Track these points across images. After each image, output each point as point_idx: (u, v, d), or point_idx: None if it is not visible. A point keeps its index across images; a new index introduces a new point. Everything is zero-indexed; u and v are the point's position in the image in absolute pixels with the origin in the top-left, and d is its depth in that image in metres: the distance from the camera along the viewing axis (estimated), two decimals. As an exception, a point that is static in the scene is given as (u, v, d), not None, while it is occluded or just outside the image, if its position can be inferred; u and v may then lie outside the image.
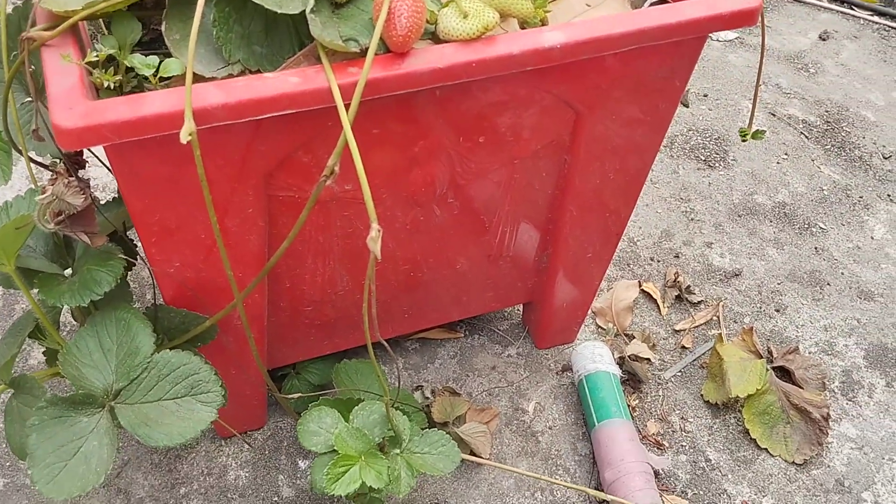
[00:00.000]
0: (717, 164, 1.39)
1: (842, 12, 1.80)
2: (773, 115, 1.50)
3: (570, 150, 0.81)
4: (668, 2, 0.77)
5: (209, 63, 0.67)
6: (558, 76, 0.71)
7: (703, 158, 1.40)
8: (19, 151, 0.75)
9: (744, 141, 0.84)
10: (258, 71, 0.68)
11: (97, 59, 0.60)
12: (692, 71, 0.79)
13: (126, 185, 0.64)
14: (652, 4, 0.77)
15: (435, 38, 0.68)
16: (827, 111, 1.53)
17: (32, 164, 0.77)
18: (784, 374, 1.09)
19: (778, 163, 1.42)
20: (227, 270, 0.66)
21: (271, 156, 0.68)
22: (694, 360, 1.11)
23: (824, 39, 1.72)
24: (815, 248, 1.28)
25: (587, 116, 0.77)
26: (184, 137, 0.57)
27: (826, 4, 1.82)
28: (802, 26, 1.75)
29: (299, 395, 0.87)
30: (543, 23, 0.72)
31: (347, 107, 0.61)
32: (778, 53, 1.65)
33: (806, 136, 1.47)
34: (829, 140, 1.47)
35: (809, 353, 1.14)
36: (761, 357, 1.07)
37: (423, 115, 0.70)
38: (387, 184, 0.76)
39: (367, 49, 0.62)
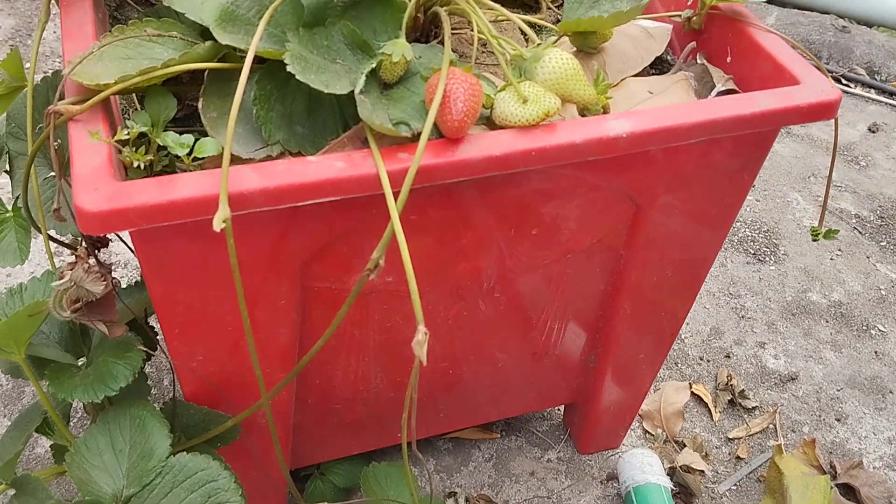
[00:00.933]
0: (767, 259, 1.33)
1: (890, 104, 1.76)
2: (824, 208, 1.45)
3: (628, 244, 0.76)
4: (737, 91, 0.73)
5: (247, 143, 0.63)
6: (620, 167, 0.67)
7: (753, 252, 1.34)
8: (38, 230, 0.71)
9: (815, 240, 0.78)
10: (298, 153, 0.64)
11: (128, 136, 0.56)
12: (762, 164, 0.74)
13: (150, 270, 0.60)
14: (720, 93, 0.72)
15: (490, 123, 0.64)
16: (880, 206, 1.47)
17: (52, 243, 0.73)
18: (848, 491, 1.01)
19: (832, 259, 1.36)
20: (255, 368, 0.60)
21: (309, 244, 0.63)
22: (750, 472, 1.03)
23: (874, 132, 1.68)
24: (875, 351, 1.21)
25: (648, 210, 0.72)
26: (217, 225, 0.52)
27: (874, 96, 1.79)
28: (851, 118, 1.71)
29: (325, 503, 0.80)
30: (605, 110, 0.68)
31: (396, 195, 0.56)
32: (827, 145, 1.61)
33: (860, 232, 1.41)
34: (883, 236, 1.41)
35: (874, 468, 1.06)
36: (824, 472, 0.99)
37: (474, 205, 0.66)
38: (430, 276, 0.71)
39: (418, 134, 0.58)
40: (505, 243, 0.70)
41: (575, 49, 0.78)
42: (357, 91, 0.58)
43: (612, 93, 0.73)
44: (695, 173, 0.70)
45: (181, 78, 0.70)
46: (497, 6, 0.69)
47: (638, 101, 0.72)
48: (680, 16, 0.79)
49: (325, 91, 0.59)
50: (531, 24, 0.84)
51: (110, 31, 0.64)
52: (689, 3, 0.81)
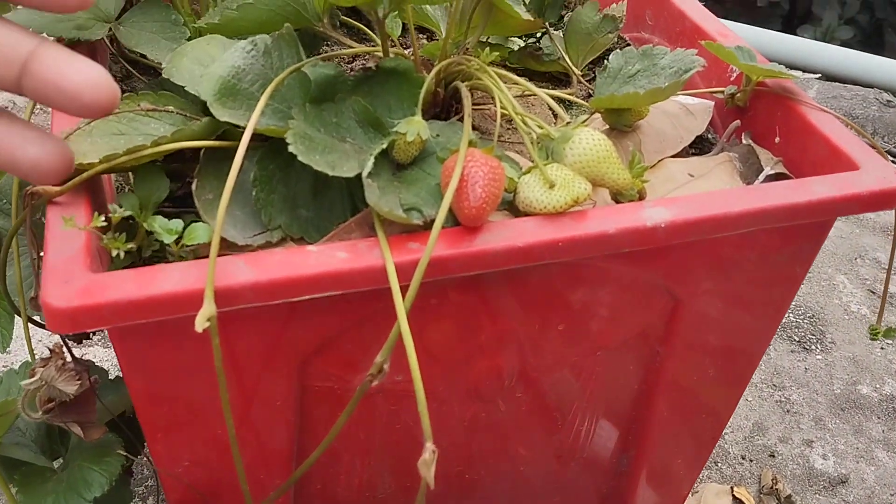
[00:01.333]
0: (813, 347, 1.25)
1: (939, 182, 1.69)
2: (873, 292, 1.36)
3: (665, 340, 0.69)
4: (787, 175, 0.66)
5: (244, 228, 0.58)
6: (658, 258, 0.60)
7: (798, 339, 1.26)
8: (20, 315, 0.65)
9: (873, 339, 0.70)
10: (301, 238, 0.58)
11: (105, 223, 0.51)
12: (815, 256, 0.67)
13: (130, 369, 0.54)
14: (768, 177, 0.66)
15: (513, 208, 0.58)
16: (933, 290, 1.39)
17: (36, 328, 0.67)
18: None
19: (882, 348, 1.27)
20: (241, 483, 0.53)
21: (309, 341, 0.57)
22: (800, 590, 0.93)
23: (923, 211, 1.60)
24: (935, 452, 1.12)
25: (688, 304, 0.65)
26: (200, 325, 0.46)
27: (921, 173, 1.71)
28: (897, 196, 1.64)
29: None
30: (640, 195, 0.61)
31: (404, 290, 0.50)
32: (873, 224, 1.53)
33: (912, 319, 1.33)
34: (938, 323, 1.32)
35: (939, 586, 0.96)
36: (885, 593, 0.89)
37: (495, 298, 0.59)
38: (445, 375, 0.64)
39: (431, 221, 0.52)
40: (528, 339, 0.63)
41: (607, 127, 0.72)
42: (365, 174, 0.52)
43: (649, 175, 0.66)
44: (740, 265, 0.63)
45: (185, 154, 0.65)
46: (522, 81, 0.64)
47: (677, 184, 0.66)
48: (723, 92, 0.74)
49: (331, 174, 0.53)
50: (560, 100, 0.78)
51: (103, 105, 0.60)
52: (732, 79, 0.75)
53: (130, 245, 0.52)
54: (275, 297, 0.50)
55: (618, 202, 0.61)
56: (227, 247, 0.58)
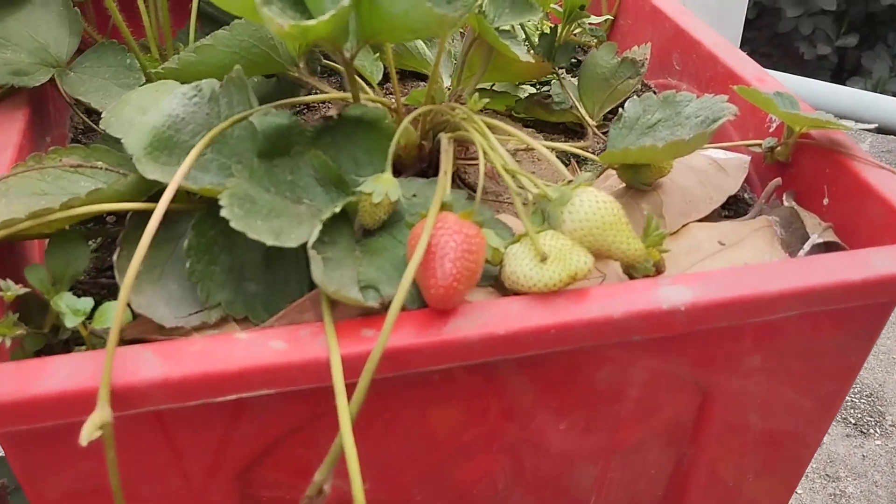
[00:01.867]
0: (871, 431, 1.11)
1: None
2: (939, 366, 1.23)
3: (694, 440, 0.58)
4: (839, 244, 0.55)
5: (179, 306, 0.49)
6: (680, 346, 0.49)
7: (854, 422, 1.12)
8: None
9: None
10: (246, 318, 0.49)
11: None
12: (874, 342, 0.56)
13: (25, 480, 0.44)
14: (815, 247, 0.55)
15: (500, 285, 0.48)
16: None
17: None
18: None
19: (952, 431, 1.13)
20: None
21: (250, 445, 0.47)
22: None
23: None
24: None
25: (719, 398, 0.54)
26: (86, 437, 0.37)
27: None
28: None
29: None
30: (658, 268, 0.51)
31: (352, 389, 0.40)
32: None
33: None
34: None
35: None
36: None
37: (479, 391, 0.49)
38: (422, 479, 0.53)
39: (389, 304, 0.42)
40: (524, 439, 0.53)
41: (623, 185, 0.62)
42: (310, 244, 0.43)
43: (671, 244, 0.56)
44: (782, 353, 0.52)
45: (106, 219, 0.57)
46: (516, 131, 0.55)
47: (705, 254, 0.55)
48: (760, 145, 0.63)
49: (274, 244, 0.44)
50: (572, 156, 0.69)
51: (25, 161, 0.52)
52: (771, 130, 0.65)
53: (20, 331, 0.43)
54: (191, 398, 0.40)
55: (631, 277, 0.51)
56: (158, 329, 0.49)
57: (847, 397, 1.15)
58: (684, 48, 0.76)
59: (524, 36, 0.74)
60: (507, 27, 0.60)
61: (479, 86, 0.76)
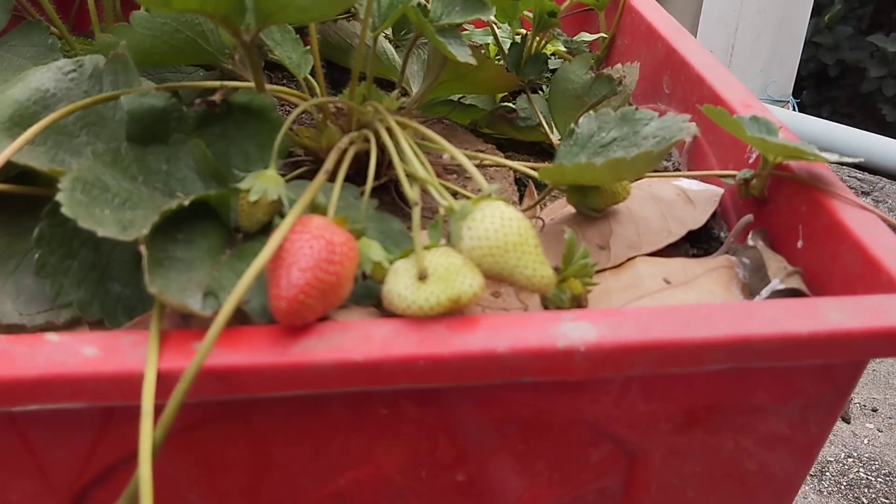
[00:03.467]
0: (887, 514, 1.01)
1: None
2: (973, 449, 1.11)
3: (624, 506, 0.50)
4: (803, 292, 0.48)
5: (28, 302, 0.44)
6: (590, 396, 0.42)
7: (868, 502, 1.02)
8: None
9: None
10: (101, 322, 0.44)
11: None
12: (842, 407, 0.48)
13: None
14: (775, 294, 0.48)
15: (382, 306, 0.42)
16: None
17: None
18: None
19: (980, 523, 1.01)
20: None
21: (81, 468, 0.41)
22: None
23: None
24: None
25: (650, 465, 0.47)
26: None
27: None
28: None
29: None
30: (579, 303, 0.44)
31: (159, 411, 0.34)
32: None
33: None
34: None
35: None
36: None
37: (344, 431, 0.43)
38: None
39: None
40: (412, 492, 0.46)
41: (574, 212, 0.56)
42: (141, 238, 0.37)
43: (610, 277, 0.49)
44: (718, 417, 0.44)
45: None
46: (441, 141, 0.48)
47: (643, 292, 0.48)
48: (734, 177, 0.56)
49: (115, 237, 0.39)
50: (528, 178, 0.62)
51: None
52: (750, 161, 0.58)
53: None
54: (-21, 405, 0.35)
55: (545, 307, 0.45)
56: (4, 327, 0.44)
57: (861, 473, 1.05)
58: (674, 69, 0.69)
59: (496, 44, 0.68)
60: (454, 26, 0.54)
61: (450, 98, 0.71)
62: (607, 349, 0.38)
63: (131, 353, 0.36)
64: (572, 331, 0.38)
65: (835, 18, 2.91)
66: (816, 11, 2.11)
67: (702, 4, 1.81)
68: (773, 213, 0.54)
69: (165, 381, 0.35)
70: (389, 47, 0.72)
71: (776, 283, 0.48)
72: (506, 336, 0.38)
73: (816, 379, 0.44)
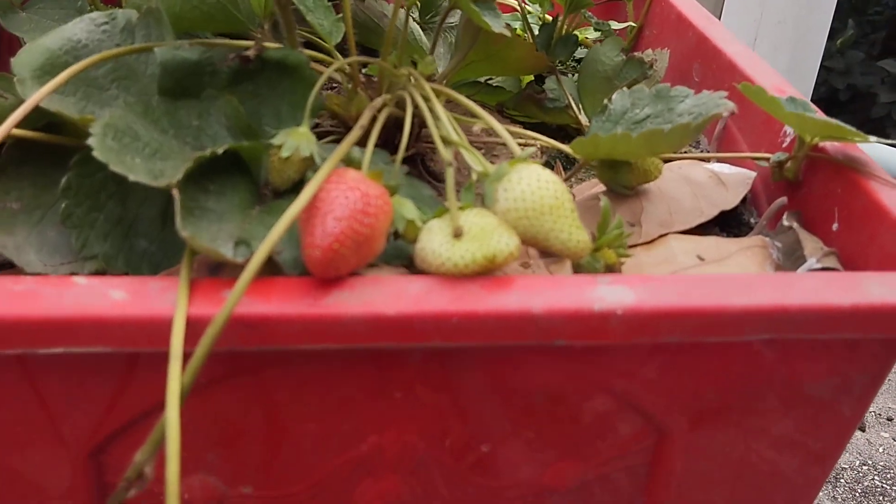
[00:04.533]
0: (903, 524, 0.99)
1: None
2: None
3: (649, 489, 0.49)
4: (842, 268, 0.47)
5: (52, 253, 0.44)
6: (621, 363, 0.42)
7: (883, 511, 1.01)
8: None
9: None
10: (126, 274, 0.43)
11: None
12: (875, 391, 0.47)
13: None
14: (812, 271, 0.47)
15: (414, 267, 0.41)
16: None
17: None
18: None
19: None
20: None
21: (100, 419, 0.40)
22: None
23: None
24: None
25: (676, 440, 0.46)
26: None
27: None
28: None
29: None
30: (613, 273, 0.44)
31: (188, 358, 0.33)
32: None
33: None
34: None
35: None
36: None
37: (374, 388, 0.42)
38: (313, 498, 0.46)
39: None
40: (434, 460, 0.45)
41: (603, 189, 0.55)
42: (174, 182, 0.37)
43: (641, 252, 0.49)
44: (753, 392, 0.44)
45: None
46: (478, 109, 0.48)
47: (677, 267, 0.47)
48: (768, 159, 0.55)
49: (145, 182, 0.38)
50: (557, 156, 0.62)
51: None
52: (784, 145, 0.57)
53: None
54: (4, 345, 0.34)
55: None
56: (19, 273, 0.43)
57: (876, 480, 1.04)
58: (705, 58, 0.69)
59: (525, 27, 0.68)
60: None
61: (477, 79, 0.70)
62: (644, 314, 0.37)
63: (160, 297, 0.35)
64: (609, 294, 0.38)
65: (847, 43, 2.91)
66: (829, 36, 2.11)
67: (720, 19, 1.81)
68: (807, 196, 0.54)
69: (194, 328, 0.34)
70: (417, 28, 0.71)
71: (812, 262, 0.47)
72: (541, 297, 0.37)
73: (853, 357, 0.43)
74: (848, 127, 0.48)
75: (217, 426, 0.41)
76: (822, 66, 2.07)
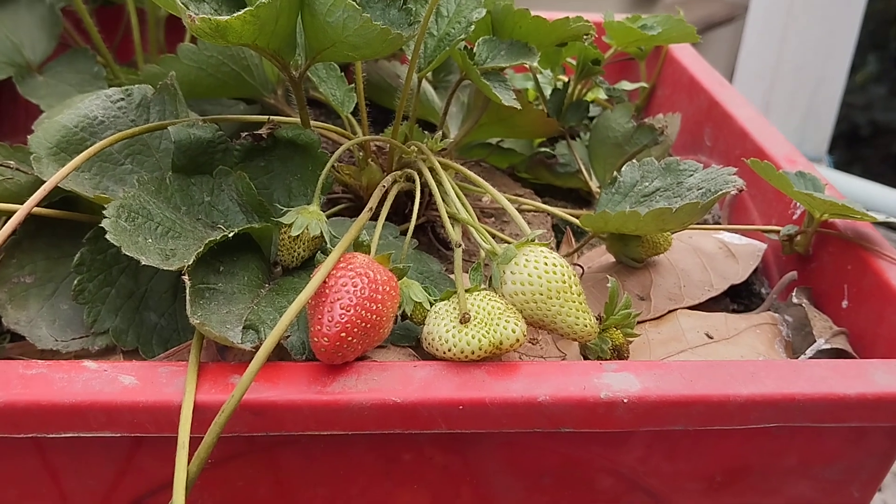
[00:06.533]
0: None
1: None
2: None
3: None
4: (848, 353, 0.48)
5: (64, 328, 0.45)
6: (630, 449, 0.42)
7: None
8: None
9: None
10: (136, 352, 0.44)
11: None
12: (886, 472, 0.47)
13: None
14: (820, 354, 0.47)
15: (422, 347, 0.42)
16: None
17: None
18: None
19: None
20: None
21: (105, 497, 0.41)
22: None
23: None
24: None
25: (685, 520, 0.46)
26: None
27: None
28: None
29: None
30: (620, 354, 0.44)
31: (196, 444, 0.34)
32: None
33: None
34: None
35: None
36: None
37: (377, 479, 0.42)
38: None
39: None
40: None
41: (612, 261, 0.56)
42: (185, 268, 0.38)
43: (650, 329, 0.49)
44: (760, 473, 0.44)
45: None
46: (484, 183, 0.49)
47: (685, 346, 0.48)
48: (778, 232, 0.56)
49: (157, 266, 0.39)
50: (567, 224, 0.63)
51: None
52: (794, 217, 0.58)
53: None
54: (16, 429, 0.35)
55: (585, 357, 0.45)
56: (37, 352, 0.44)
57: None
58: (716, 122, 0.70)
59: (537, 90, 0.69)
60: (499, 69, 0.55)
61: (488, 141, 0.72)
62: (650, 402, 0.38)
63: (169, 383, 0.36)
64: (615, 382, 0.38)
65: (868, 79, 2.92)
66: (849, 72, 2.12)
67: (736, 60, 1.82)
68: (817, 271, 0.54)
69: (202, 414, 0.35)
70: (430, 89, 0.73)
71: (821, 343, 0.48)
72: (547, 384, 0.38)
73: (860, 442, 0.43)
74: (856, 206, 0.49)
75: (226, 500, 0.42)
76: (843, 101, 2.08)
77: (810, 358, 0.47)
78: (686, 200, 0.50)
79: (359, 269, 0.38)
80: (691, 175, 0.52)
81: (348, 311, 0.36)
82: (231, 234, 0.40)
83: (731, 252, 0.57)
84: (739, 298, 0.58)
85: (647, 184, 0.53)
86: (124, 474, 0.41)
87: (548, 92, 0.69)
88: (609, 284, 0.45)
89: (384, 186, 0.48)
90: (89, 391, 0.35)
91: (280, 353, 0.40)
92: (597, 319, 0.43)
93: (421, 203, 0.55)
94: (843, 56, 1.77)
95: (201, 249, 0.38)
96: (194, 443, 0.35)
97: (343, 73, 0.57)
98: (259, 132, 0.46)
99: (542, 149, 0.69)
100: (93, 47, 0.64)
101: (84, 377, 0.36)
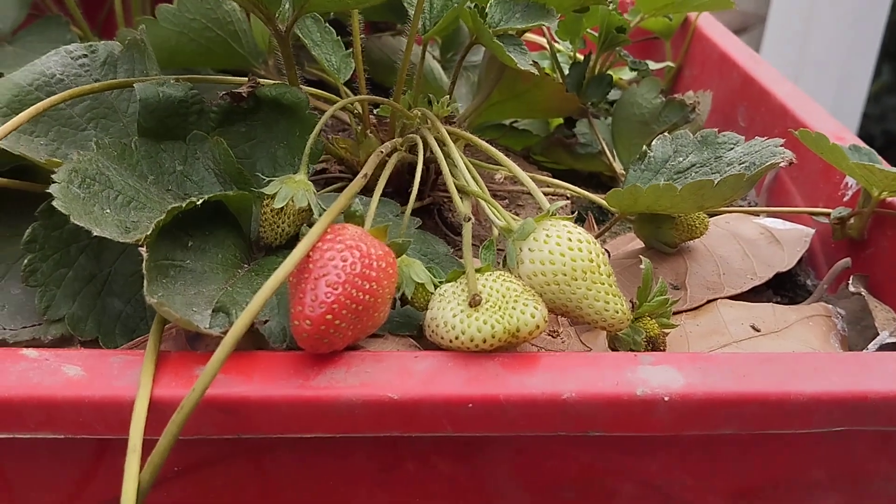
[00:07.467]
0: None
1: None
2: None
3: None
4: (919, 347, 0.42)
5: (13, 316, 0.39)
6: (670, 456, 0.36)
7: None
8: None
9: None
10: (95, 342, 0.38)
11: None
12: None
13: None
14: (885, 348, 0.41)
15: (424, 338, 0.36)
16: None
17: None
18: None
19: None
20: None
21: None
22: None
23: None
24: None
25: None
26: None
27: None
28: None
29: None
30: (655, 346, 0.38)
31: (149, 447, 0.28)
32: None
33: None
34: None
35: None
36: None
37: (376, 490, 0.36)
38: None
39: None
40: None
41: (642, 246, 0.50)
42: (143, 240, 0.32)
43: (686, 320, 0.43)
44: (807, 485, 0.38)
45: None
46: (500, 155, 0.43)
47: (729, 340, 0.42)
48: (829, 215, 0.50)
49: (118, 240, 0.33)
50: (589, 207, 0.57)
51: None
52: (846, 199, 0.52)
53: None
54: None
55: (615, 350, 0.39)
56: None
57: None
58: (752, 100, 0.64)
59: (555, 65, 0.63)
60: (515, 31, 0.49)
61: (502, 122, 0.66)
62: (696, 401, 0.32)
63: (122, 375, 0.31)
64: (654, 376, 0.32)
65: (882, 89, 2.86)
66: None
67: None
68: (874, 257, 0.48)
69: (159, 412, 0.30)
70: (437, 66, 0.67)
71: (885, 336, 0.42)
72: (573, 379, 0.32)
73: (941, 451, 0.37)
74: (924, 180, 0.43)
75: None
76: (858, 111, 2.03)
77: (874, 351, 0.41)
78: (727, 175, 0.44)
79: (349, 241, 0.32)
80: (731, 148, 0.47)
81: (335, 289, 0.30)
82: (200, 202, 0.34)
83: (774, 238, 0.51)
84: (783, 290, 0.52)
85: (680, 159, 0.47)
86: (85, 482, 0.35)
87: (566, 70, 0.63)
88: (642, 266, 0.39)
89: (382, 152, 0.42)
90: (24, 384, 0.30)
91: (258, 343, 0.34)
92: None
93: (426, 178, 0.49)
94: (865, 68, 1.71)
95: (163, 218, 0.32)
96: (151, 446, 0.29)
97: (341, 40, 0.51)
98: (239, 90, 0.40)
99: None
100: (68, 15, 0.59)
101: (20, 367, 0.30)
